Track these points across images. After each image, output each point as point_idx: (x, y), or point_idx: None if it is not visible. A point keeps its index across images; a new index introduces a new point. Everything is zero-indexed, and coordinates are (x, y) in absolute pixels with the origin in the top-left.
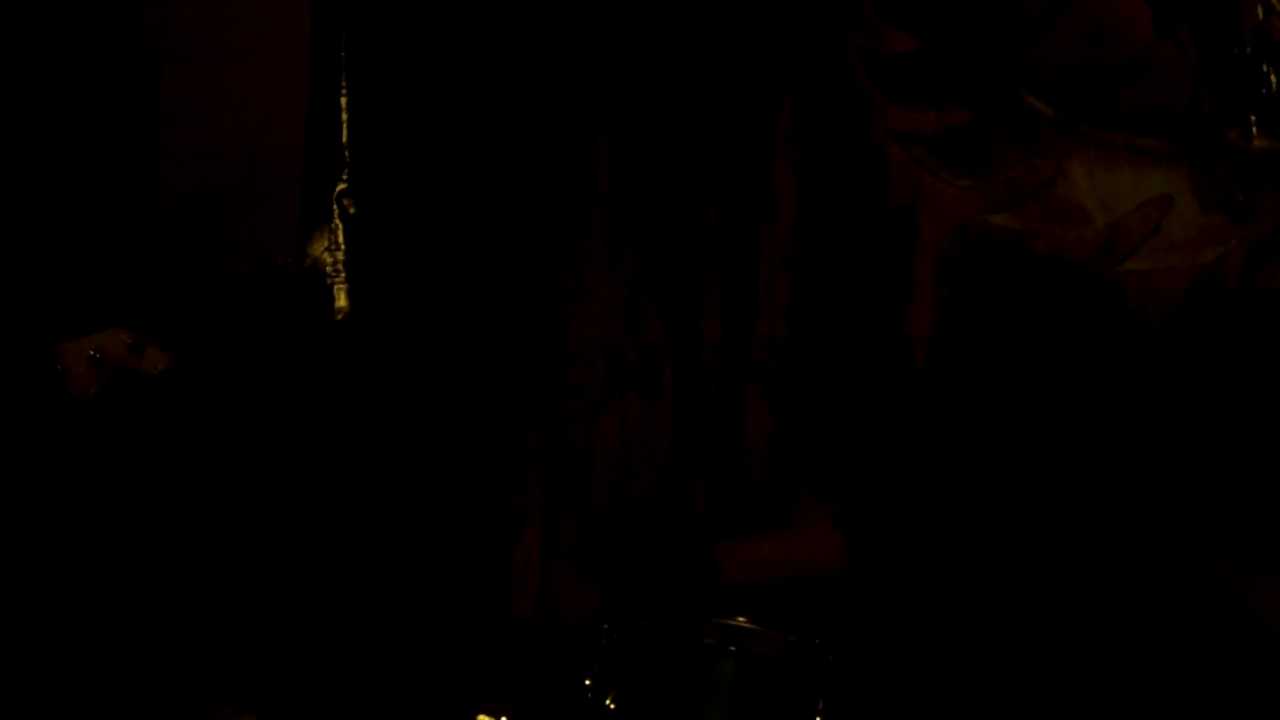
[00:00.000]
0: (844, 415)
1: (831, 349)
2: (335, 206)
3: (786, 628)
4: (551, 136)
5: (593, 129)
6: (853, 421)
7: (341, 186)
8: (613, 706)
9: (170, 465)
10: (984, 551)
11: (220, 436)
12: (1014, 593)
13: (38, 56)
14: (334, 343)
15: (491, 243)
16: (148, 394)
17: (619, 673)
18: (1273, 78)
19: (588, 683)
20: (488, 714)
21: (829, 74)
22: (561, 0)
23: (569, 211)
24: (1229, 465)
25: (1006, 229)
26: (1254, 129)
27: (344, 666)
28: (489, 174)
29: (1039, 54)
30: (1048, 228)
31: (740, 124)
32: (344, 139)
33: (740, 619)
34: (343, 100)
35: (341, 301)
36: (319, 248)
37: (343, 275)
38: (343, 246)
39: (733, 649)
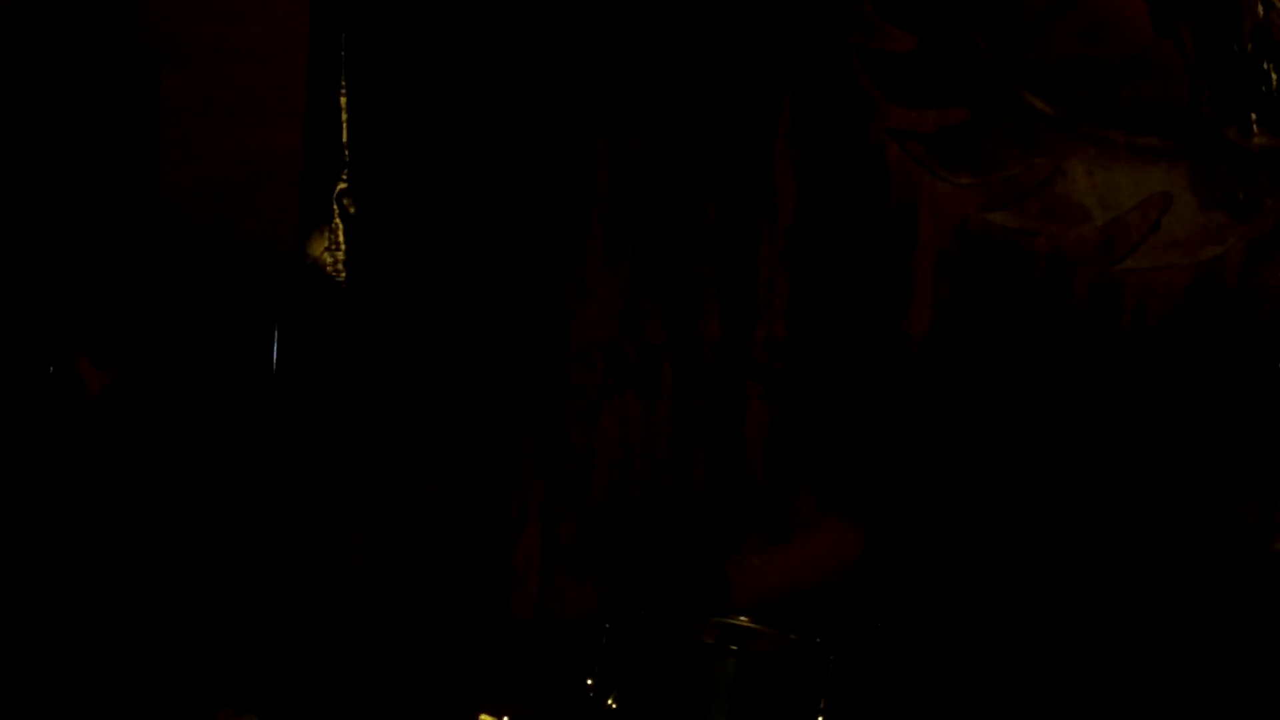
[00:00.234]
0: (844, 415)
1: (831, 348)
2: (335, 206)
3: (787, 627)
4: (551, 137)
5: (593, 129)
6: (853, 421)
7: (341, 186)
8: (614, 706)
9: (171, 465)
10: (985, 550)
11: (221, 436)
12: (1015, 591)
13: (38, 58)
14: (334, 342)
15: (492, 243)
16: (149, 395)
17: (620, 672)
18: (1273, 75)
19: (589, 682)
20: (489, 714)
21: (828, 73)
22: (561, 1)
23: (569, 211)
24: (1229, 462)
25: (1006, 227)
26: (1254, 127)
27: (345, 666)
28: (489, 174)
29: (1038, 52)
30: (1047, 226)
31: (740, 124)
32: (344, 139)
33: (741, 618)
34: (342, 100)
35: (342, 300)
36: (319, 247)
37: (343, 275)
38: (343, 246)
39: (734, 648)
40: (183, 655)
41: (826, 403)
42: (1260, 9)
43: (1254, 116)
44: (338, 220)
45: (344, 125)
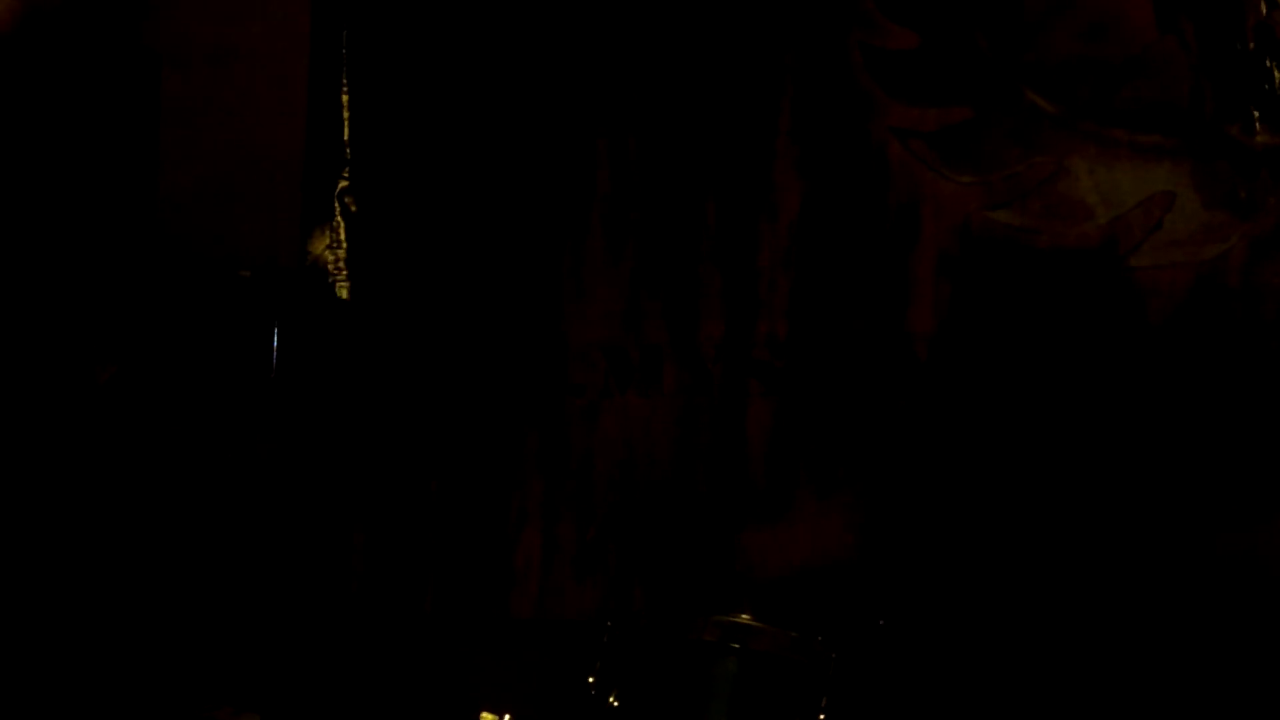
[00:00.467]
0: (845, 413)
1: (833, 347)
2: (337, 204)
3: (789, 625)
4: (552, 136)
5: (593, 128)
6: (854, 419)
7: (343, 185)
8: (615, 704)
9: (173, 464)
10: (987, 547)
11: (222, 434)
12: (1018, 589)
13: (38, 58)
14: (335, 341)
15: (492, 242)
16: (149, 393)
17: (621, 671)
18: (1275, 74)
19: (590, 680)
20: (490, 712)
21: (829, 72)
22: (562, 1)
23: (570, 211)
24: (1230, 460)
25: (1008, 225)
26: (1256, 125)
27: (346, 665)
28: (490, 173)
29: (1040, 51)
30: (1049, 224)
31: (740, 122)
32: (345, 137)
33: (743, 616)
34: (344, 99)
35: (343, 299)
36: (320, 245)
37: (344, 273)
38: (344, 244)
39: (735, 646)
40: (184, 653)
41: (828, 401)
42: (1263, 7)
43: (1256, 114)
44: (339, 218)
45: (345, 124)
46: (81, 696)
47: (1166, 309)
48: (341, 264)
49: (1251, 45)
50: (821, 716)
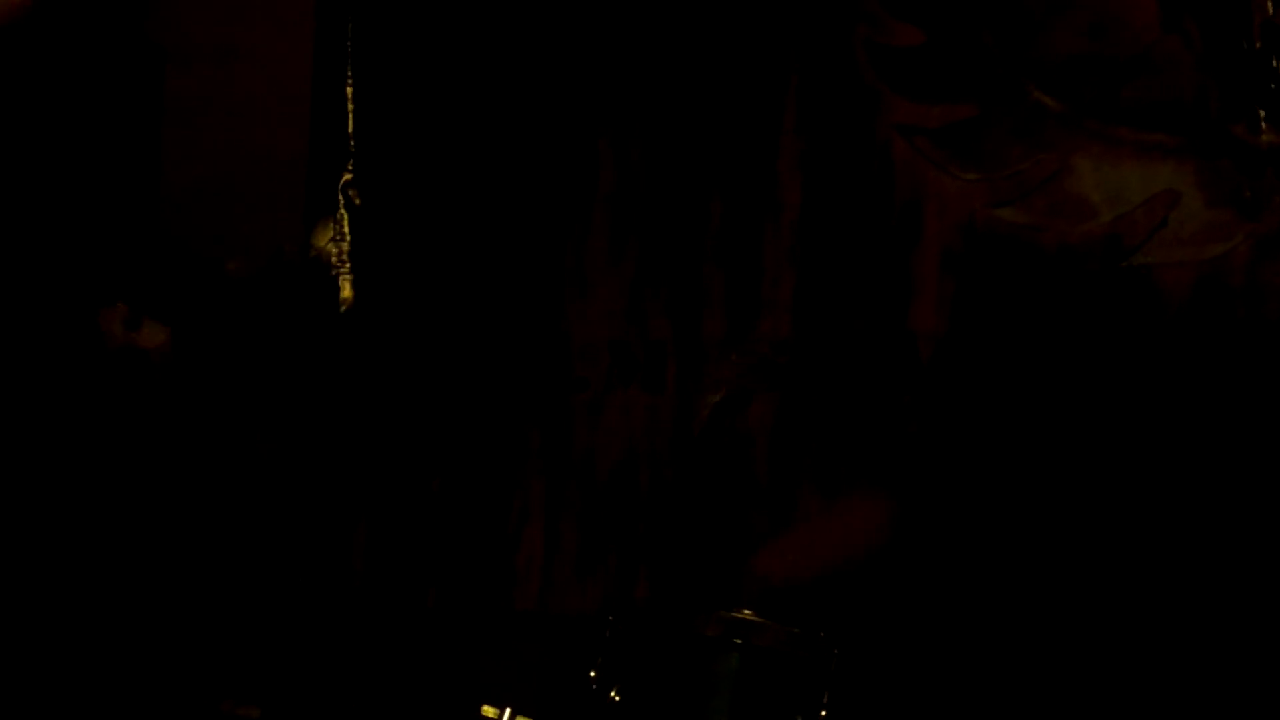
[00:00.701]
0: (848, 410)
1: (836, 344)
2: (340, 197)
3: (791, 621)
4: (556, 131)
5: (597, 123)
6: (857, 417)
7: (347, 178)
8: (617, 699)
9: (175, 458)
10: (990, 545)
11: (225, 430)
12: (1021, 587)
13: (41, 53)
14: (338, 335)
15: (496, 236)
16: (153, 386)
17: (623, 665)
18: None
19: (592, 675)
20: (491, 706)
21: (834, 68)
22: None
23: (573, 206)
24: (1232, 459)
25: (1012, 223)
26: (1261, 124)
27: (347, 659)
28: (494, 168)
29: (1045, 48)
30: (1053, 222)
31: (744, 119)
32: (349, 130)
33: (745, 612)
34: (348, 91)
35: (346, 293)
36: (324, 239)
37: (347, 267)
38: (348, 238)
39: (737, 642)
40: (186, 647)
41: (831, 398)
42: (1269, 6)
43: (1262, 113)
44: (343, 212)
45: (350, 117)
46: (84, 690)
47: (1170, 308)
48: (345, 257)
49: (1257, 44)
50: (824, 712)
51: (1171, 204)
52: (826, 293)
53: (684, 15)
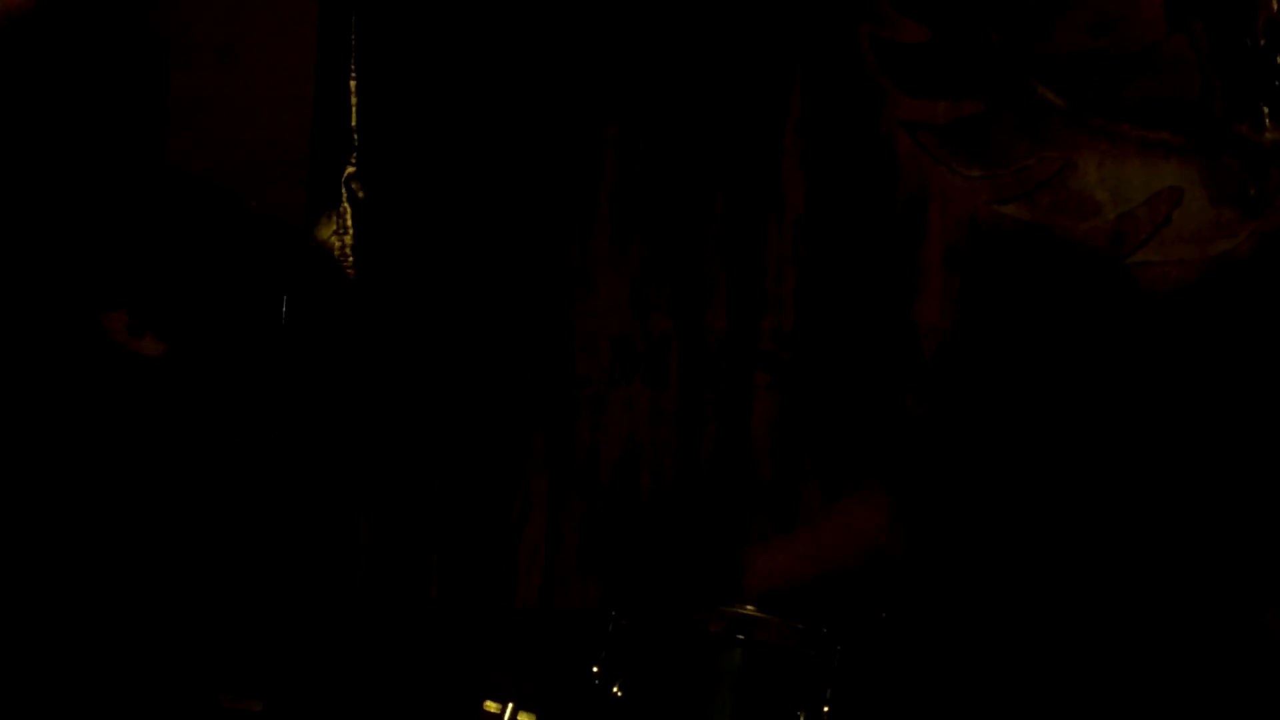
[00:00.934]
0: (852, 406)
1: (839, 340)
2: (344, 190)
3: (794, 616)
4: (560, 125)
5: (601, 118)
6: (860, 412)
7: (350, 171)
8: (619, 694)
9: (178, 450)
10: (993, 541)
11: (228, 423)
12: (1024, 583)
13: (43, 45)
14: (341, 328)
15: (499, 231)
16: (156, 378)
17: (626, 661)
18: None
19: (594, 670)
20: (494, 701)
21: (838, 64)
22: None
23: (577, 200)
24: (1235, 457)
25: (1016, 220)
26: (1266, 121)
27: (349, 653)
28: (497, 162)
29: (1050, 45)
30: (1058, 219)
31: (749, 115)
32: (353, 123)
33: (748, 607)
34: (352, 84)
35: (349, 284)
36: (327, 232)
37: (350, 259)
38: (350, 230)
39: (740, 637)
40: (187, 639)
41: (834, 394)
42: (1274, 4)
43: (1266, 111)
44: (346, 204)
45: (353, 110)
46: (83, 684)
47: (1173, 306)
48: (348, 250)
49: (1262, 42)
50: (826, 709)
51: (1175, 201)
52: (830, 289)
53: (690, 10)
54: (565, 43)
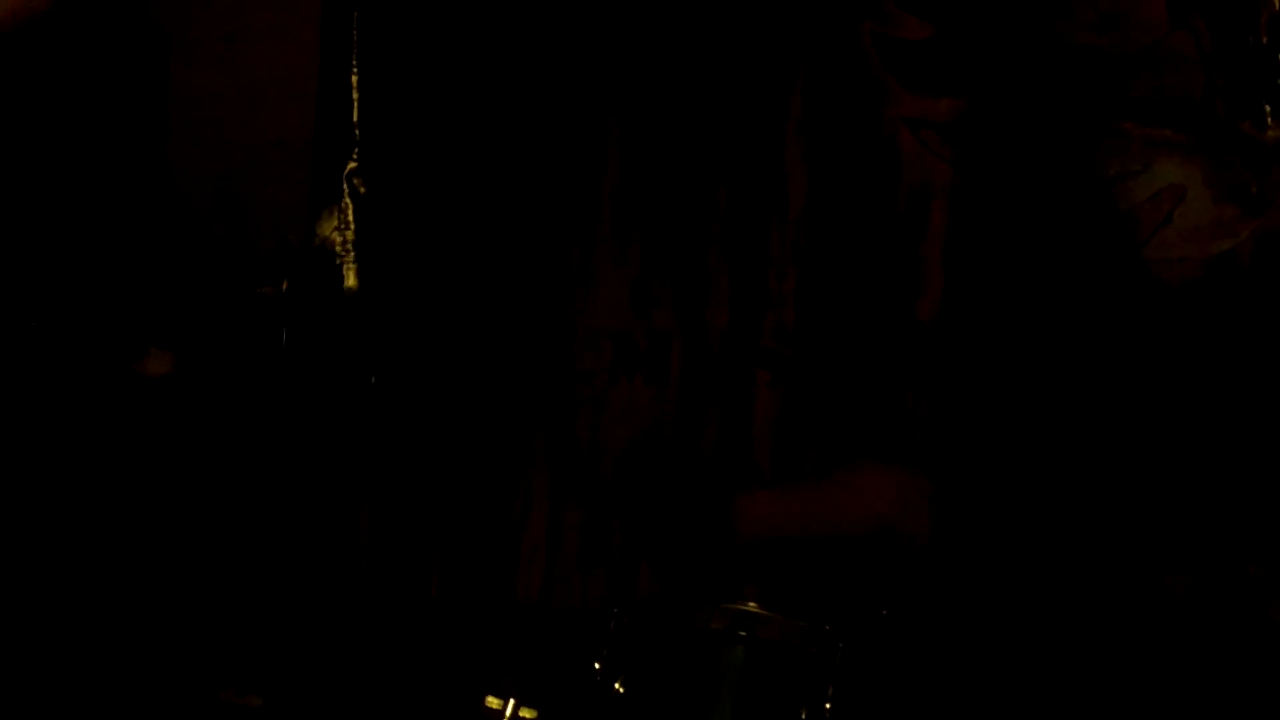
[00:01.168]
0: (853, 403)
1: (841, 337)
2: (345, 186)
3: (796, 614)
4: (563, 120)
5: (604, 113)
6: (862, 409)
7: (352, 166)
8: (621, 691)
9: (181, 445)
10: (996, 537)
11: (231, 418)
12: (1027, 579)
13: (44, 39)
14: (342, 324)
15: (501, 226)
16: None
17: (628, 657)
18: None
19: (596, 667)
20: (495, 697)
21: (841, 61)
22: None
23: (579, 195)
24: (1236, 455)
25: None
26: (1268, 120)
27: (350, 649)
28: (499, 158)
29: (1054, 42)
30: None
31: (751, 111)
32: (354, 118)
33: (750, 604)
34: (354, 79)
35: (351, 282)
36: (328, 227)
37: (352, 255)
38: (352, 226)
39: (742, 634)
40: (188, 635)
41: (835, 391)
42: (1276, 2)
43: (1269, 110)
44: (347, 200)
45: (355, 104)
46: (83, 678)
47: (1175, 304)
48: (350, 245)
49: (1265, 40)
50: (828, 706)
51: (1177, 199)
52: (832, 284)
53: (692, 7)
54: (568, 40)
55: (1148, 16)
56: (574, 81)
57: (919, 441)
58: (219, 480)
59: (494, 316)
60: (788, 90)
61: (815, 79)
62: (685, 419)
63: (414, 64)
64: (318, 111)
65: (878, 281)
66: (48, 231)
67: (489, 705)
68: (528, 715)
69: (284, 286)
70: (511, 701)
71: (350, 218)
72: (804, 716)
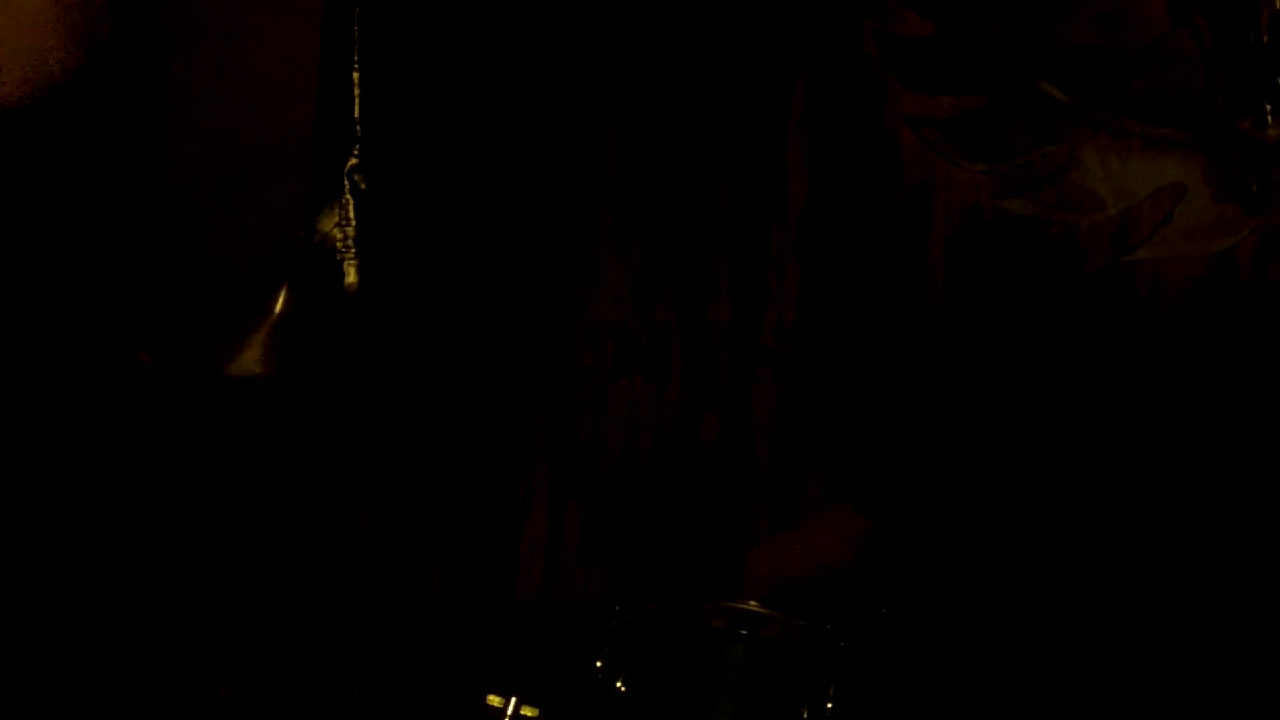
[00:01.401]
0: (853, 399)
1: (842, 334)
2: (346, 182)
3: (797, 612)
4: (564, 116)
5: (606, 109)
6: (862, 406)
7: (353, 162)
8: (622, 689)
9: (181, 442)
10: (996, 537)
11: (231, 416)
12: (1026, 580)
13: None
14: (343, 321)
15: (502, 223)
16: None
17: (629, 656)
18: None
19: (598, 665)
20: (496, 695)
21: (842, 58)
22: None
23: (581, 192)
24: (1236, 454)
25: (1020, 215)
26: (1269, 119)
27: (350, 647)
28: (501, 154)
29: (1055, 40)
30: (1061, 214)
31: (752, 108)
32: (355, 114)
33: (751, 603)
34: (355, 75)
35: (351, 278)
36: (329, 224)
37: (353, 251)
38: (353, 222)
39: (743, 633)
40: (189, 632)
41: (836, 387)
42: (1278, 1)
43: (1269, 108)
44: (348, 196)
45: (356, 101)
46: (79, 672)
47: (1176, 301)
48: (350, 242)
49: (1265, 38)
50: (829, 705)
51: (1178, 198)
52: (833, 282)
53: (694, 4)
54: (569, 36)
55: (1148, 15)
56: (576, 78)
57: (919, 438)
58: (220, 477)
59: (495, 313)
60: (788, 88)
61: (816, 77)
62: (686, 416)
63: (415, 60)
64: (319, 107)
65: (879, 279)
66: (46, 230)
67: (490, 703)
68: (529, 713)
69: (284, 287)
70: (513, 699)
71: (351, 214)
72: (805, 715)
